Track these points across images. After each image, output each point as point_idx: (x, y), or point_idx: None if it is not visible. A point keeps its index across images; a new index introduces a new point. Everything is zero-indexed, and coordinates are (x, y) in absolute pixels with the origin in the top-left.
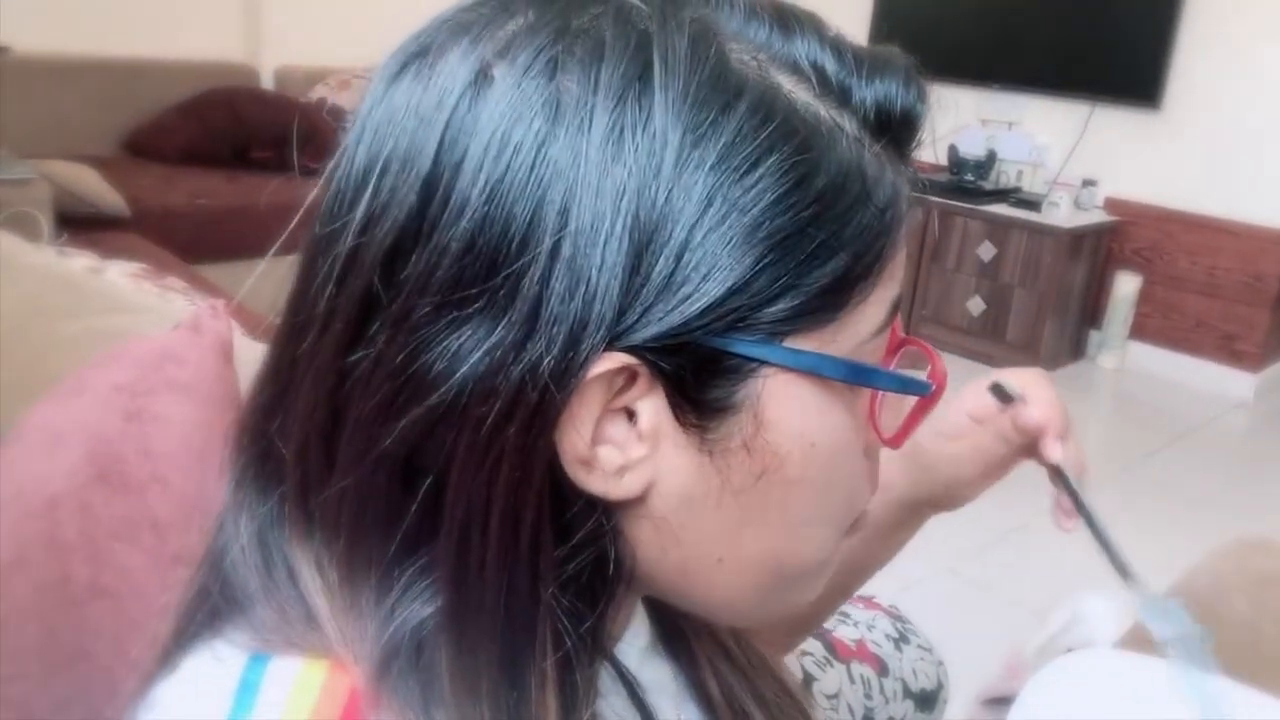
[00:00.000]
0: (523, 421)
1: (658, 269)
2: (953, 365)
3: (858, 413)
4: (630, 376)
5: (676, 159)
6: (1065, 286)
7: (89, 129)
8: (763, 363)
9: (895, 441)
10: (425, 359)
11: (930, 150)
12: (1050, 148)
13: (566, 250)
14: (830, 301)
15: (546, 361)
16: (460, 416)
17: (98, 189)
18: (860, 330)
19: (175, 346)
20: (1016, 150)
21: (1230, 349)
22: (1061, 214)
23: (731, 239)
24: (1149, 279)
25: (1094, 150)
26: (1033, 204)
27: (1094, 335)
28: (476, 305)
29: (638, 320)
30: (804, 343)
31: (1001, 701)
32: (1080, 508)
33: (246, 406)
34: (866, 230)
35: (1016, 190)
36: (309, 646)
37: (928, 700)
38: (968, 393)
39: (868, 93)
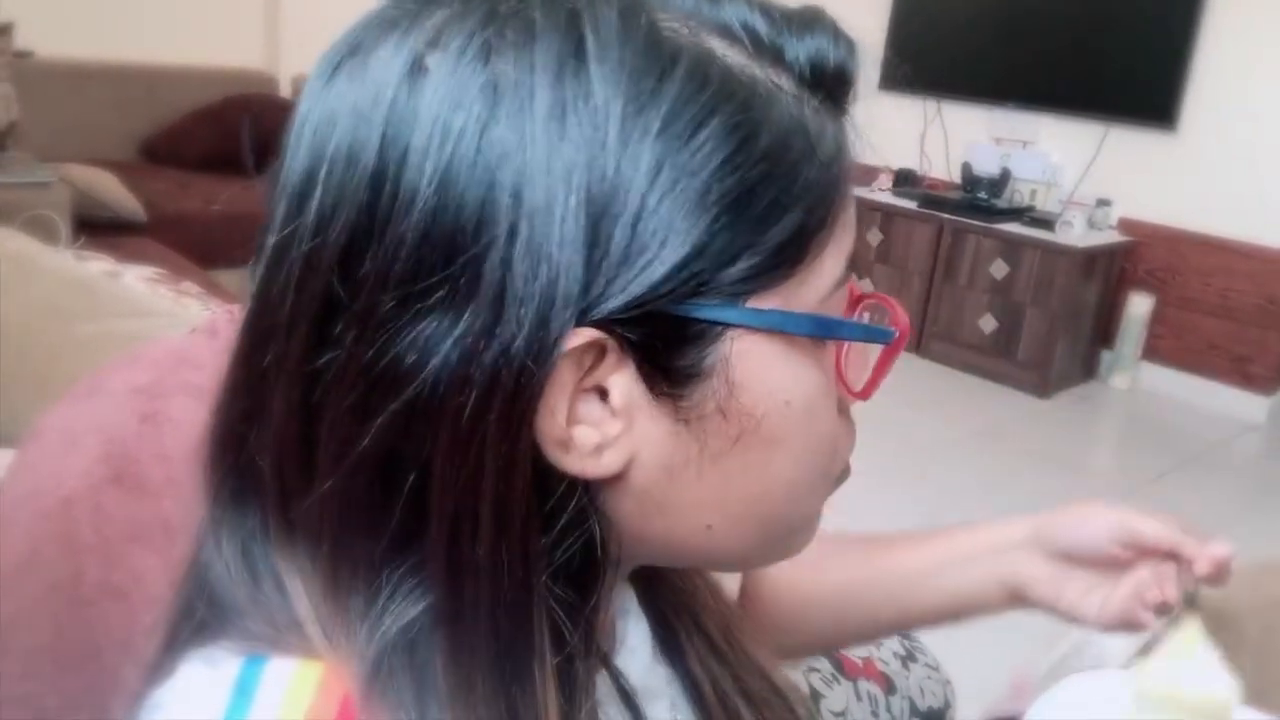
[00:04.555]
0: (502, 407)
1: (616, 240)
2: (963, 383)
3: (827, 369)
4: (599, 353)
5: (620, 130)
6: (1078, 306)
7: (108, 134)
8: (728, 325)
9: (865, 393)
10: (395, 353)
11: (944, 167)
12: (1065, 167)
13: (524, 231)
14: (788, 258)
15: (518, 343)
16: (439, 408)
17: (116, 193)
18: (820, 285)
19: (191, 350)
20: (1031, 169)
21: (1243, 371)
22: (1075, 233)
23: (684, 203)
24: (1162, 300)
25: (1109, 170)
26: (1046, 223)
27: (1106, 355)
28: (440, 294)
29: (602, 293)
30: (766, 302)
31: None
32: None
33: (215, 423)
34: (815, 184)
35: (1030, 209)
36: (303, 650)
37: (935, 719)
38: (1112, 523)
39: (800, 49)
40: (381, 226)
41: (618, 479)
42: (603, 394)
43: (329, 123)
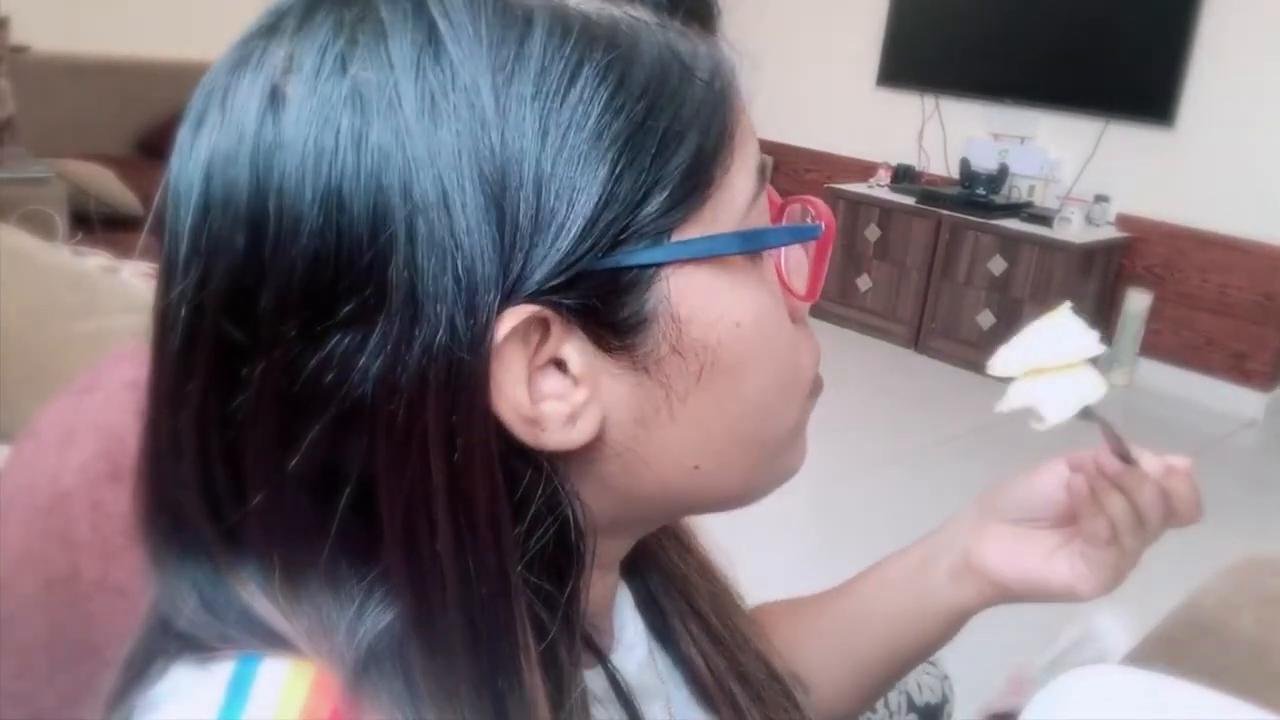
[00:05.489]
0: (440, 405)
1: (522, 211)
2: (961, 379)
3: (769, 282)
4: (543, 326)
5: (496, 103)
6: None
7: (105, 129)
8: (659, 265)
9: (810, 295)
10: (310, 375)
11: (942, 163)
12: (1063, 163)
13: (422, 228)
14: (696, 184)
15: (441, 338)
16: (370, 419)
17: (113, 188)
18: (736, 202)
19: None
20: (1029, 165)
21: (1241, 367)
22: (1073, 229)
23: (579, 157)
24: (1160, 296)
25: (1107, 166)
26: (1044, 219)
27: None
28: (347, 309)
29: (524, 268)
30: (688, 232)
31: (1005, 717)
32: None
33: (141, 489)
34: (703, 105)
35: (1028, 205)
36: (295, 652)
37: (932, 714)
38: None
39: None
40: (270, 260)
41: (597, 445)
42: (560, 365)
43: (198, 173)
